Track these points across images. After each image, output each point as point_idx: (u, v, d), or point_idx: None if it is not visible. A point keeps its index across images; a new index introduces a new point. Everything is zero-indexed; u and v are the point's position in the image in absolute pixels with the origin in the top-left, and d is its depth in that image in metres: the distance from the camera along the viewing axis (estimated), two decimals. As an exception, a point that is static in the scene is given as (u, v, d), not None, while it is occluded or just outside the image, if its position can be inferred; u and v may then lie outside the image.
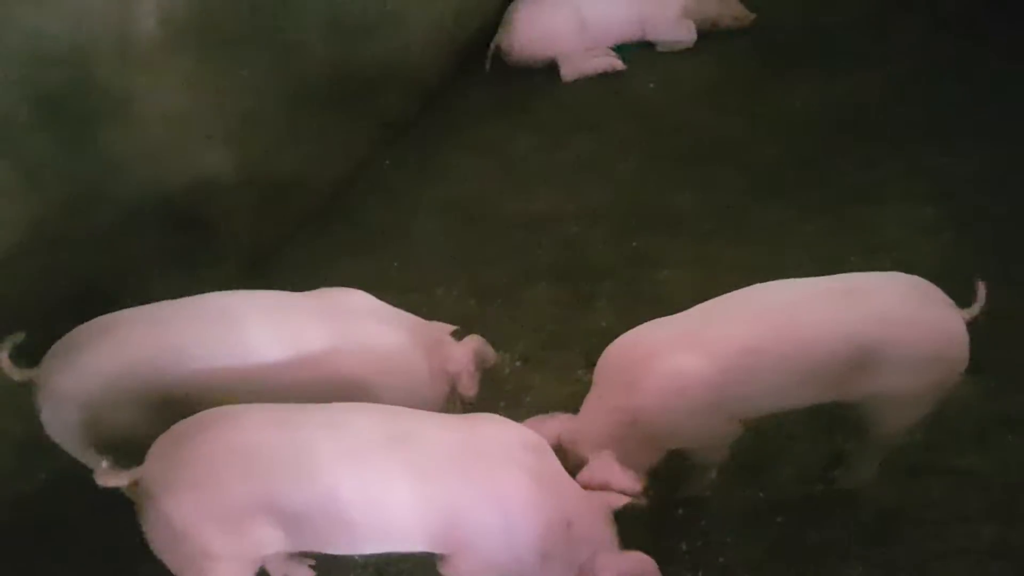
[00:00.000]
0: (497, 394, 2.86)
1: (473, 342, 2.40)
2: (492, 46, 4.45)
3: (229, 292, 2.30)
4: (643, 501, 2.07)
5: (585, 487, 2.07)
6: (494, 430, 1.99)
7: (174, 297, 2.97)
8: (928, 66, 4.06)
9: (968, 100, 3.85)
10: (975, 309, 2.20)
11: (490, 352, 2.44)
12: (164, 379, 2.11)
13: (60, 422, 2.13)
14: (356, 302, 2.33)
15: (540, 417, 2.29)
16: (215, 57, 2.94)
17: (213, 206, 3.09)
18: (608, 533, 1.98)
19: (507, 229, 3.48)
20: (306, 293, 2.33)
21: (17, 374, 2.12)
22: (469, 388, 2.38)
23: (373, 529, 1.88)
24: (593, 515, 1.98)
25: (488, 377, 2.90)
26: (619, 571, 1.92)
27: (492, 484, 1.88)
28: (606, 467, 2.10)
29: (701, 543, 2.43)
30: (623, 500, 2.04)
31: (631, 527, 2.43)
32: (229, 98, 3.05)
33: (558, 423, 2.25)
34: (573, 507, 1.94)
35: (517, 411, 2.78)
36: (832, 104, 3.95)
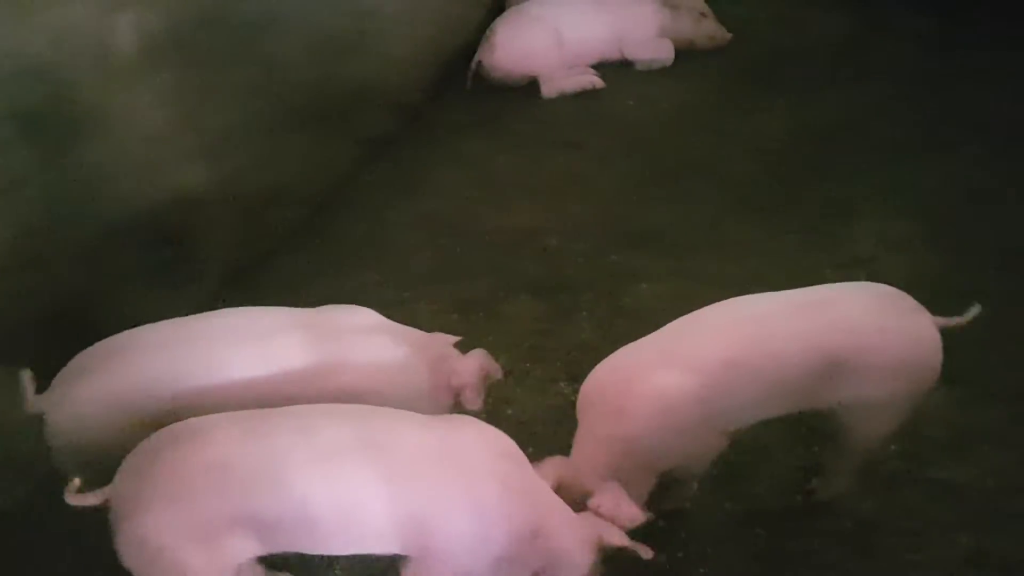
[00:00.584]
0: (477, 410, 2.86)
1: (478, 356, 2.39)
2: (473, 63, 4.49)
3: (235, 310, 2.32)
4: (648, 554, 2.03)
5: (596, 510, 2.08)
6: (470, 434, 1.98)
7: (153, 314, 2.97)
8: (900, 85, 4.15)
9: (938, 117, 3.92)
10: (954, 320, 2.22)
11: (495, 366, 2.43)
12: (175, 404, 2.09)
13: (69, 450, 2.11)
14: (359, 318, 2.34)
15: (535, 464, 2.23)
16: (195, 74, 2.93)
17: (193, 223, 3.08)
18: (583, 555, 1.95)
19: (487, 243, 3.49)
20: (309, 310, 2.33)
21: (31, 405, 2.10)
22: (474, 402, 2.37)
23: (347, 533, 1.87)
24: (569, 531, 1.96)
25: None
26: None
27: (464, 490, 1.87)
28: (614, 497, 2.10)
29: (681, 555, 2.42)
30: (624, 541, 2.01)
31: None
32: (209, 115, 3.04)
33: (554, 466, 2.20)
34: (542, 518, 1.93)
35: (498, 424, 2.73)
36: (806, 122, 4.01)
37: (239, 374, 2.15)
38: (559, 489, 2.14)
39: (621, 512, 2.09)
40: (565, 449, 2.45)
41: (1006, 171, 3.59)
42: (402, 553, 1.92)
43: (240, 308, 2.33)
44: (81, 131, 2.59)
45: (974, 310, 2.26)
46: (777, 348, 2.12)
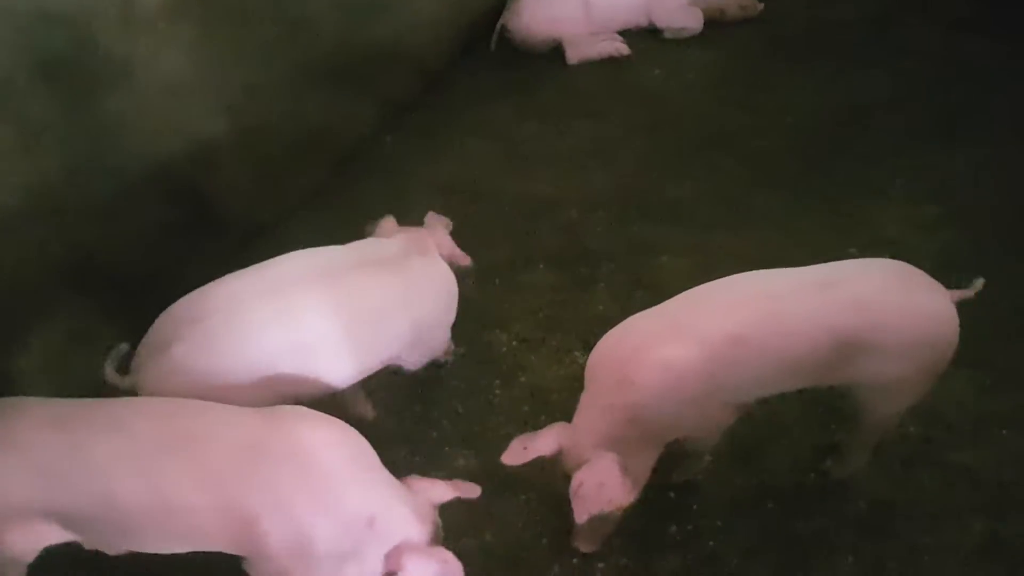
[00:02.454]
0: (493, 373, 2.86)
1: (436, 221, 2.67)
2: (498, 26, 4.43)
3: (292, 255, 2.37)
4: (475, 492, 2.09)
5: (577, 488, 2.07)
6: (292, 427, 1.90)
7: (173, 269, 2.99)
8: (933, 64, 4.06)
9: (972, 99, 3.85)
10: (966, 293, 2.20)
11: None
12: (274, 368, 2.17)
13: None
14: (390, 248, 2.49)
15: (528, 435, 2.24)
16: (219, 27, 2.90)
17: (213, 178, 3.07)
18: (422, 527, 1.93)
19: (507, 211, 3.47)
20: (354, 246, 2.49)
21: (120, 381, 2.11)
22: (463, 258, 2.65)
23: (165, 531, 1.83)
24: (404, 508, 1.93)
25: (484, 356, 2.92)
26: (422, 571, 1.87)
27: (281, 487, 1.81)
28: (606, 470, 2.10)
29: (691, 527, 2.43)
30: (450, 494, 2.02)
31: (624, 508, 2.46)
32: (232, 69, 3.02)
33: (555, 432, 2.22)
34: (378, 502, 1.89)
35: (511, 391, 2.80)
36: (836, 99, 3.94)
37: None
38: (559, 455, 2.17)
39: (603, 492, 2.09)
40: None
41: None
42: (238, 553, 1.88)
43: (295, 253, 2.38)
44: (103, 81, 2.57)
45: (978, 283, 2.23)
46: (788, 326, 2.09)
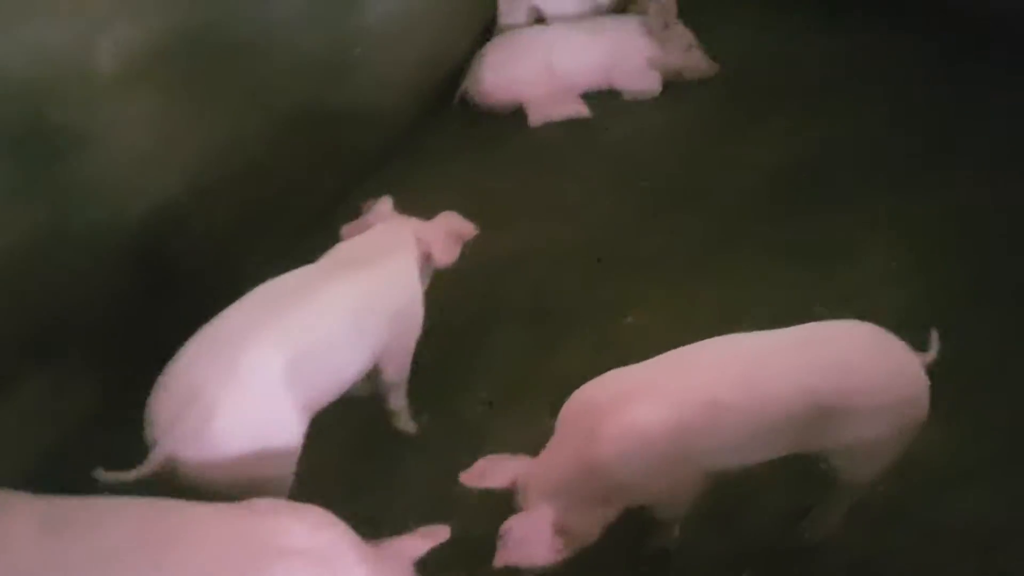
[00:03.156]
0: (459, 438, 2.81)
1: (443, 217, 2.81)
2: (461, 89, 4.47)
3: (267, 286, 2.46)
4: (444, 535, 2.07)
5: (503, 533, 2.08)
6: (275, 520, 1.89)
7: (138, 335, 2.93)
8: (894, 117, 4.13)
9: (931, 150, 3.91)
10: (931, 355, 2.24)
11: (464, 224, 2.83)
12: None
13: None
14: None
15: (499, 456, 2.26)
16: (181, 91, 2.89)
17: (176, 245, 3.02)
18: None
19: (474, 270, 3.42)
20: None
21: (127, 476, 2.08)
22: (442, 258, 2.74)
23: None
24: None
25: (451, 420, 2.87)
26: None
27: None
28: (536, 525, 2.08)
29: (668, 597, 2.38)
30: (424, 545, 2.02)
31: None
32: (195, 133, 2.99)
33: (515, 465, 2.23)
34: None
35: (478, 456, 2.72)
36: (798, 153, 3.99)
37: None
38: (513, 488, 2.18)
39: (525, 546, 2.07)
40: None
41: (1004, 203, 3.56)
42: None
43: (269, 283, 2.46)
44: (62, 152, 2.53)
45: (934, 341, 2.27)
46: (766, 390, 2.09)
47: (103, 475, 2.06)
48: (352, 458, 2.69)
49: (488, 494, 2.26)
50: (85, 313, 2.72)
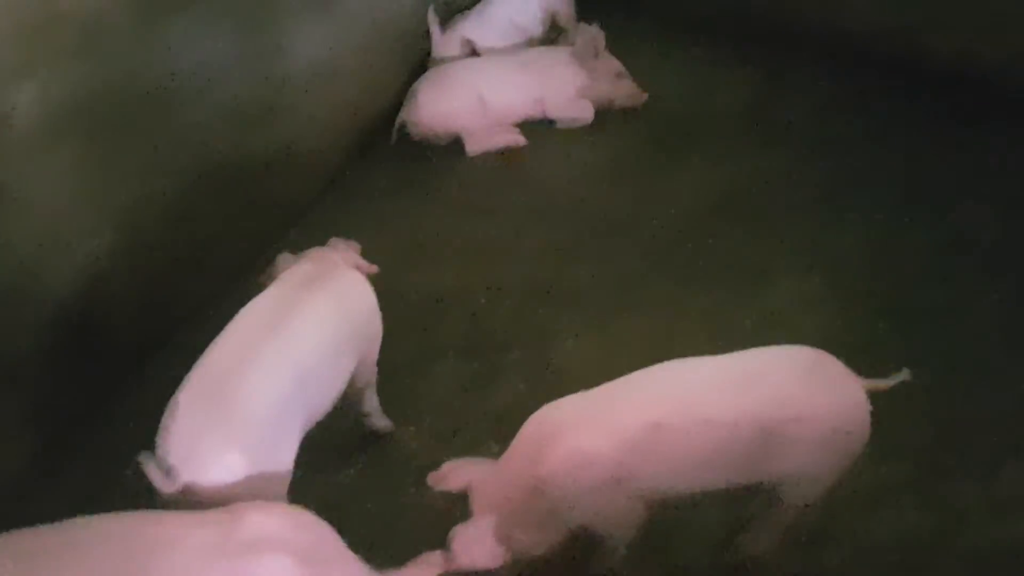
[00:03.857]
0: (405, 472, 2.82)
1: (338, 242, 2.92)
2: (397, 123, 4.50)
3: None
4: None
5: (450, 539, 2.16)
6: (255, 520, 1.90)
7: (61, 388, 2.86)
8: (807, 144, 4.31)
9: (845, 175, 4.08)
10: (879, 382, 2.28)
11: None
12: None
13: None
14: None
15: (462, 460, 2.38)
16: (103, 141, 2.84)
17: (99, 295, 2.96)
18: None
19: (412, 305, 3.47)
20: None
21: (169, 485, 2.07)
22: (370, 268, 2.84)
23: None
24: None
25: (395, 455, 2.89)
26: None
27: None
28: (480, 532, 2.18)
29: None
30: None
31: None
32: (115, 185, 2.94)
33: (474, 469, 2.34)
34: None
35: (424, 490, 2.74)
36: (719, 182, 4.12)
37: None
38: (468, 490, 2.28)
39: (469, 551, 2.16)
40: None
41: (908, 229, 3.74)
42: None
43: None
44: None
45: (902, 375, 2.30)
46: (710, 416, 2.14)
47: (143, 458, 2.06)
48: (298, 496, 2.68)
49: (433, 535, 2.30)
50: (7, 371, 2.67)
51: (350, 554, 1.99)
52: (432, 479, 2.37)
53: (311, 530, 1.95)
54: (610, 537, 2.39)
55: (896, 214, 3.81)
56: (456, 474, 2.35)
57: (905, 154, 4.14)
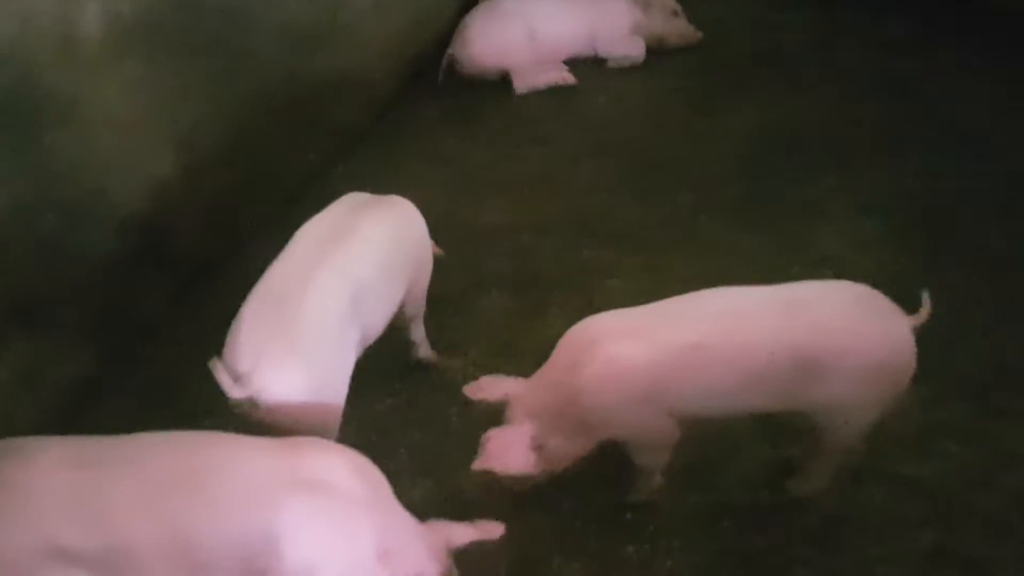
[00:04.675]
0: (449, 401, 2.86)
1: None
2: (445, 58, 4.47)
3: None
4: (498, 531, 2.07)
5: (485, 441, 2.21)
6: (309, 457, 1.90)
7: (124, 304, 2.94)
8: (866, 85, 4.21)
9: (904, 117, 4.00)
10: (922, 316, 2.25)
11: None
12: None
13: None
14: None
15: (495, 377, 2.40)
16: (163, 62, 2.89)
17: (161, 213, 3.03)
18: (435, 566, 1.95)
19: (459, 239, 3.47)
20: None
21: (238, 391, 2.11)
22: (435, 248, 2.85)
23: (177, 568, 1.78)
24: (420, 545, 1.94)
25: (440, 383, 2.93)
26: None
27: (298, 517, 1.80)
28: (516, 438, 2.22)
29: (649, 547, 2.45)
30: (470, 535, 2.04)
31: (579, 530, 2.47)
32: (178, 104, 3.00)
33: (509, 384, 2.36)
34: (395, 536, 1.90)
35: (469, 417, 2.79)
36: (774, 122, 4.06)
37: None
38: (502, 405, 2.31)
39: (504, 455, 2.21)
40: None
41: (970, 172, 3.66)
42: None
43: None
44: (47, 118, 2.54)
45: (926, 301, 2.27)
46: (750, 341, 2.14)
47: (213, 364, 2.10)
48: (346, 419, 2.74)
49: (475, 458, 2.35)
50: (72, 283, 2.74)
51: (398, 504, 2.00)
52: (469, 390, 2.40)
53: (368, 476, 1.96)
54: (641, 457, 2.42)
55: (955, 158, 3.73)
56: (494, 387, 2.39)
57: (966, 97, 4.03)
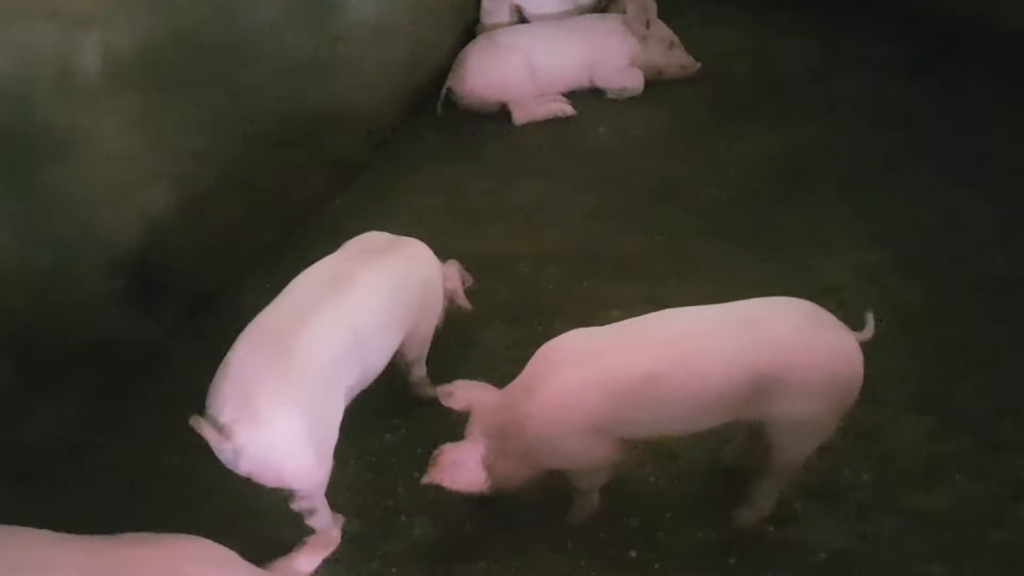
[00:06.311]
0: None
1: (454, 264, 2.92)
2: (444, 90, 4.48)
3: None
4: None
5: (437, 455, 2.26)
6: (154, 552, 1.83)
7: (122, 338, 2.92)
8: (867, 113, 4.21)
9: (905, 145, 3.98)
10: (867, 333, 2.25)
11: (466, 275, 2.96)
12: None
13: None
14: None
15: (467, 383, 2.39)
16: (162, 96, 2.88)
17: (158, 247, 3.01)
18: None
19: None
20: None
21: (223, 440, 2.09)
22: (465, 303, 2.92)
23: None
24: None
25: (440, 419, 2.89)
26: None
27: None
28: (467, 454, 2.24)
29: (655, 585, 2.41)
30: (312, 560, 2.09)
31: (584, 568, 2.42)
32: (176, 138, 2.99)
33: (475, 394, 2.36)
34: None
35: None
36: (776, 151, 4.05)
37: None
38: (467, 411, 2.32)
39: (453, 470, 2.23)
40: (538, 492, 2.48)
41: (972, 200, 3.64)
42: None
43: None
44: (43, 154, 2.53)
45: (869, 321, 2.27)
46: (705, 366, 2.13)
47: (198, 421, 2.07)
48: (343, 457, 2.70)
49: (475, 498, 2.35)
50: (66, 317, 2.72)
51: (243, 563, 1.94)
52: (441, 392, 2.39)
53: (229, 563, 1.90)
54: (582, 481, 2.41)
55: (961, 184, 3.71)
56: (463, 394, 2.37)
57: (970, 123, 4.03)
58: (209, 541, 1.91)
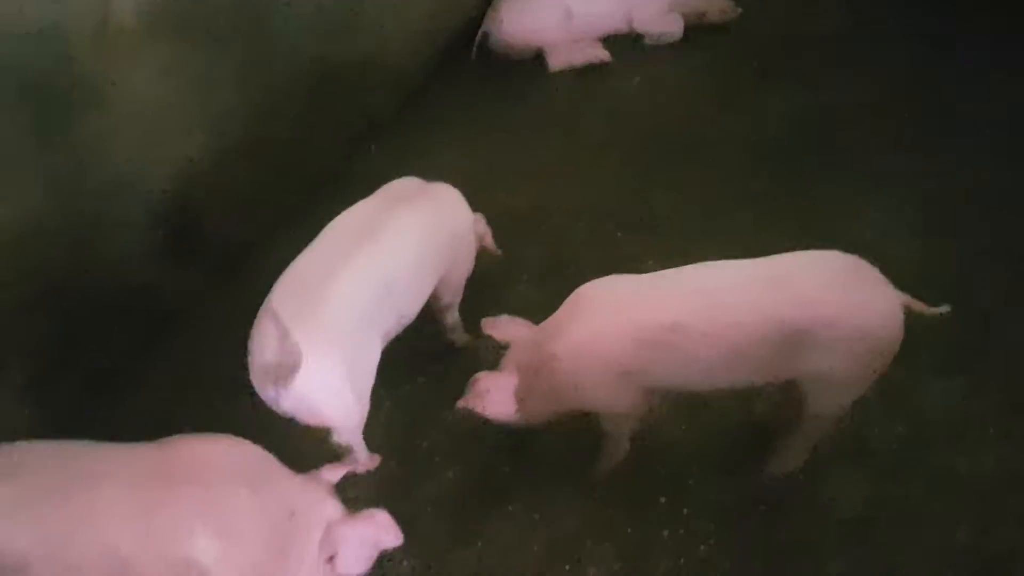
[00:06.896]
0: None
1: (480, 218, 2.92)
2: (479, 35, 4.43)
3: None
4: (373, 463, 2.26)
5: (472, 383, 2.33)
6: (196, 450, 1.91)
7: (154, 290, 2.97)
8: (900, 76, 4.12)
9: (938, 109, 3.90)
10: (922, 306, 2.19)
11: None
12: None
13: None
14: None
15: (510, 317, 2.44)
16: (195, 48, 2.88)
17: (191, 197, 3.04)
18: (332, 506, 2.00)
19: (489, 223, 3.46)
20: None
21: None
22: (495, 249, 2.95)
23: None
24: (312, 495, 1.98)
25: (472, 366, 2.92)
26: (357, 536, 1.95)
27: (205, 507, 1.81)
28: (500, 385, 2.31)
29: (683, 532, 2.46)
30: (340, 472, 2.11)
31: (612, 514, 2.47)
32: (210, 89, 2.99)
33: (517, 329, 2.42)
34: (292, 497, 1.94)
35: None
36: (806, 110, 3.98)
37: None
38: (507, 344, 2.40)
39: (485, 398, 2.31)
40: (570, 439, 2.53)
41: (1003, 166, 3.56)
42: None
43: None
44: (80, 102, 2.56)
45: (943, 308, 2.21)
46: (732, 319, 2.11)
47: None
48: (377, 400, 2.76)
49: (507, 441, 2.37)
50: (96, 269, 2.76)
51: (284, 468, 2.00)
52: (485, 324, 2.43)
53: (243, 453, 1.96)
54: (610, 424, 2.43)
55: (995, 152, 3.63)
56: (505, 327, 2.42)
57: (1004, 89, 3.93)
58: (246, 440, 1.99)
